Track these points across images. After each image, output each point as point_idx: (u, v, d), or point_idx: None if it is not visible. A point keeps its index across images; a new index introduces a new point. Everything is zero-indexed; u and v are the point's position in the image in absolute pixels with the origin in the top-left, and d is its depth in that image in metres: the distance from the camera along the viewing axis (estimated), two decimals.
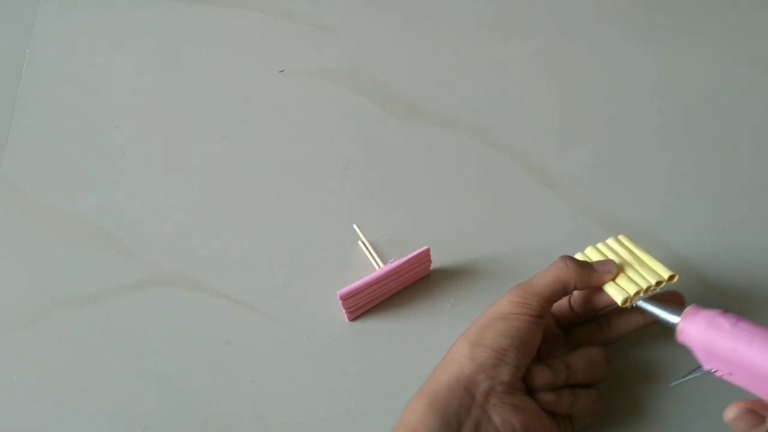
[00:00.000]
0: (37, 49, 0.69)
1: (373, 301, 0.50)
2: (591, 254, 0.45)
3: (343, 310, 0.49)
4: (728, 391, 0.37)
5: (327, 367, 0.48)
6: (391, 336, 0.49)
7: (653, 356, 0.47)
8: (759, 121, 0.60)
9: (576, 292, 0.45)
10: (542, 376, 0.40)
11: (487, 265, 0.52)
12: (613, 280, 0.43)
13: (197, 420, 0.47)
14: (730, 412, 0.35)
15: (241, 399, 0.47)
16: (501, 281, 0.51)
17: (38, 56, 0.68)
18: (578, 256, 0.46)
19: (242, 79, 0.65)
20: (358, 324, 0.50)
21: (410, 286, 0.52)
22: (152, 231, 0.56)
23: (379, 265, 0.50)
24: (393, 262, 0.48)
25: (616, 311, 0.44)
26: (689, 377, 0.38)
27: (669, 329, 0.40)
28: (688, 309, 0.39)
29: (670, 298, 0.44)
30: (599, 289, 0.44)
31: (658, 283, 0.42)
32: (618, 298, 0.42)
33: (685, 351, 0.39)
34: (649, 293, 0.43)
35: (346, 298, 0.47)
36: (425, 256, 0.49)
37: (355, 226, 0.53)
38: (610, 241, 0.46)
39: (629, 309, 0.43)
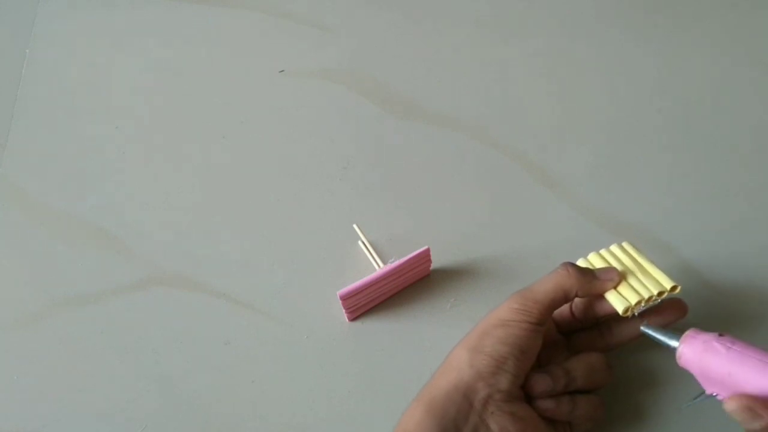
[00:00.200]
0: (37, 49, 0.69)
1: (373, 301, 0.50)
2: (594, 260, 0.45)
3: (343, 310, 0.49)
4: None
5: (327, 367, 0.48)
6: (391, 336, 0.49)
7: (654, 362, 0.47)
8: (759, 121, 0.60)
9: (578, 298, 0.44)
10: (541, 383, 0.40)
11: (487, 265, 0.52)
12: (615, 288, 0.43)
13: (197, 420, 0.47)
14: (730, 405, 0.35)
15: (241, 399, 0.47)
16: (501, 281, 0.51)
17: (38, 56, 0.68)
18: (580, 262, 0.45)
19: (242, 79, 0.65)
20: (358, 324, 0.50)
21: (410, 286, 0.52)
22: (152, 231, 0.56)
23: (379, 265, 0.50)
24: (393, 262, 0.48)
25: (617, 318, 0.43)
26: (698, 400, 0.38)
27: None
28: (687, 333, 0.38)
29: (672, 306, 0.44)
30: (601, 296, 0.43)
31: (660, 294, 0.42)
32: (619, 307, 0.42)
33: None
34: (651, 303, 0.42)
35: (346, 298, 0.47)
36: (425, 256, 0.49)
37: (355, 226, 0.53)
38: (614, 248, 0.46)
39: (630, 317, 0.42)
